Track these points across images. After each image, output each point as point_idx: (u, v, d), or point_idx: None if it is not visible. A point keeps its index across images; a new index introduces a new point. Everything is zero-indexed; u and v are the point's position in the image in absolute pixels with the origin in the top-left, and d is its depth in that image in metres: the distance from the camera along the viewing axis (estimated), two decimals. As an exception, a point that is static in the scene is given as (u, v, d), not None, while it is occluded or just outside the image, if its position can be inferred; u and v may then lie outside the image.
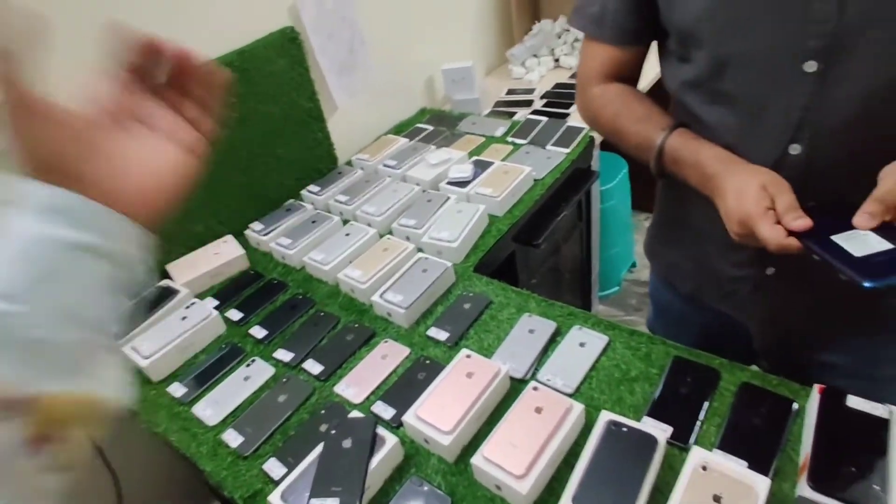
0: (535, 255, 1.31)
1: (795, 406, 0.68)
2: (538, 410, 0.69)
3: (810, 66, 0.58)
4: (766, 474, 0.62)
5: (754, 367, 0.76)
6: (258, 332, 0.97)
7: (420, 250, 1.06)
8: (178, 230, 1.13)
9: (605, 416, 0.68)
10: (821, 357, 0.80)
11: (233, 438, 0.79)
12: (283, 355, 0.91)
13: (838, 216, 0.56)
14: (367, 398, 0.82)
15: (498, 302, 0.94)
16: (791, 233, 0.56)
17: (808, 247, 0.54)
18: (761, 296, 0.77)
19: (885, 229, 0.54)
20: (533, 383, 0.73)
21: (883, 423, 0.61)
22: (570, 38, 1.87)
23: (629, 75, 0.80)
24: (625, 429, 0.66)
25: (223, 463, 0.77)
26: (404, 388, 0.81)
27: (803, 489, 0.58)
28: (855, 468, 0.58)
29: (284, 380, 0.87)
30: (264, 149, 1.23)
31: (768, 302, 0.77)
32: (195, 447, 0.80)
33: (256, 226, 1.20)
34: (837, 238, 0.54)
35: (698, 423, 0.69)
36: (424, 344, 0.89)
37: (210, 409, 0.85)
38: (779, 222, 0.57)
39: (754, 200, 0.58)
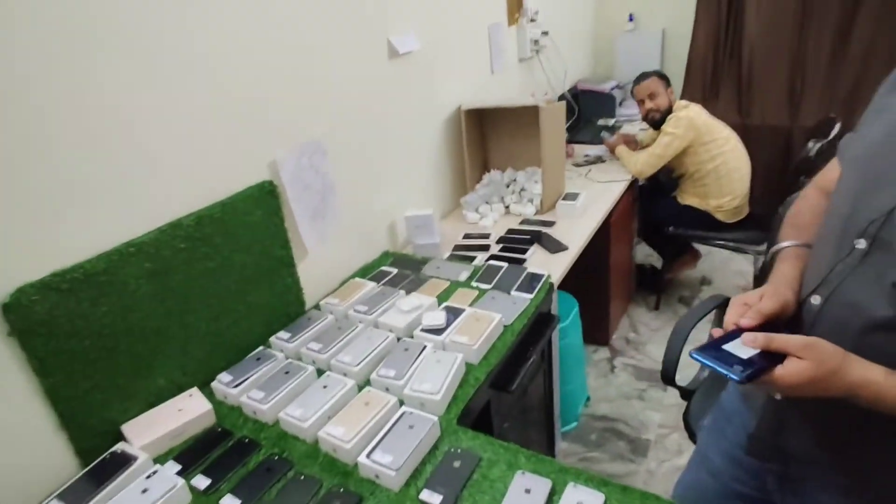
0: (506, 400, 1.32)
1: None
2: (553, 586, 0.67)
3: (860, 243, 0.67)
4: None
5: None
6: (230, 502, 0.89)
7: (401, 402, 1.05)
8: (137, 386, 1.06)
9: (621, 589, 0.67)
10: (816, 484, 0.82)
11: None
12: (262, 530, 0.84)
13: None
14: (362, 579, 0.76)
15: (486, 458, 0.93)
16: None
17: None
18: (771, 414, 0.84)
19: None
20: (542, 554, 0.72)
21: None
22: (517, 187, 2.07)
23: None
24: None
25: None
26: (402, 564, 0.76)
27: None
28: None
29: (265, 561, 0.80)
30: (236, 297, 1.22)
31: (776, 423, 0.83)
32: None
33: (225, 377, 1.15)
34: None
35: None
36: (418, 510, 0.85)
37: None
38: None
39: (744, 295, 0.76)
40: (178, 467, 0.97)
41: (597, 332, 2.42)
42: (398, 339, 1.23)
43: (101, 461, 0.96)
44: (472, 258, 1.68)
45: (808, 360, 0.63)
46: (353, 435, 0.96)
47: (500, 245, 1.75)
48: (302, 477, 0.93)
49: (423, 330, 1.24)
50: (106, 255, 0.97)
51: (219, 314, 1.19)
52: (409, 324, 1.27)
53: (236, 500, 0.90)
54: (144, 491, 0.88)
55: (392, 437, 0.95)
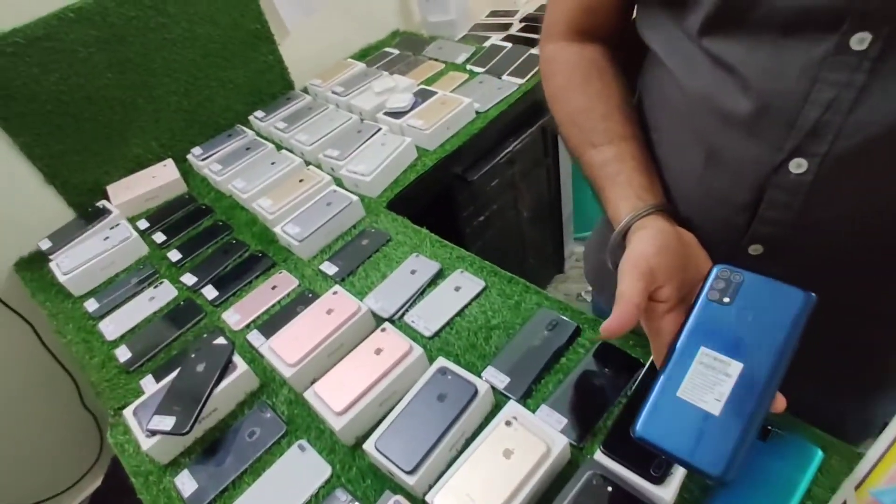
0: (482, 192, 1.26)
1: (646, 367, 0.65)
2: (378, 352, 0.70)
3: (860, 41, 0.36)
4: (584, 434, 0.61)
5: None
6: (174, 255, 1.01)
7: (339, 183, 1.05)
8: (113, 152, 1.15)
9: (439, 363, 0.67)
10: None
11: (122, 354, 0.85)
12: (188, 279, 0.95)
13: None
14: (247, 325, 0.85)
15: (396, 240, 0.92)
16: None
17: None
18: None
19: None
20: (384, 325, 0.73)
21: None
22: (568, -49, 1.69)
23: (605, 22, 0.58)
24: (450, 376, 0.65)
25: (108, 375, 0.82)
26: (281, 319, 0.83)
27: (597, 453, 0.56)
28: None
29: (182, 303, 0.91)
30: (205, 72, 1.22)
31: None
32: (88, 359, 0.86)
33: (196, 150, 1.21)
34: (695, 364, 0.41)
35: (537, 377, 0.67)
36: (314, 278, 0.90)
37: (113, 325, 0.90)
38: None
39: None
40: (147, 225, 1.10)
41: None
42: (361, 121, 1.18)
43: (86, 213, 1.11)
44: (487, 38, 1.49)
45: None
46: (278, 207, 0.99)
47: (523, 24, 1.51)
48: (234, 241, 1.01)
49: (385, 113, 1.17)
50: (43, 21, 0.99)
51: (188, 89, 1.21)
52: (376, 106, 1.20)
53: (179, 254, 1.01)
54: (106, 238, 1.02)
55: (309, 211, 0.96)
